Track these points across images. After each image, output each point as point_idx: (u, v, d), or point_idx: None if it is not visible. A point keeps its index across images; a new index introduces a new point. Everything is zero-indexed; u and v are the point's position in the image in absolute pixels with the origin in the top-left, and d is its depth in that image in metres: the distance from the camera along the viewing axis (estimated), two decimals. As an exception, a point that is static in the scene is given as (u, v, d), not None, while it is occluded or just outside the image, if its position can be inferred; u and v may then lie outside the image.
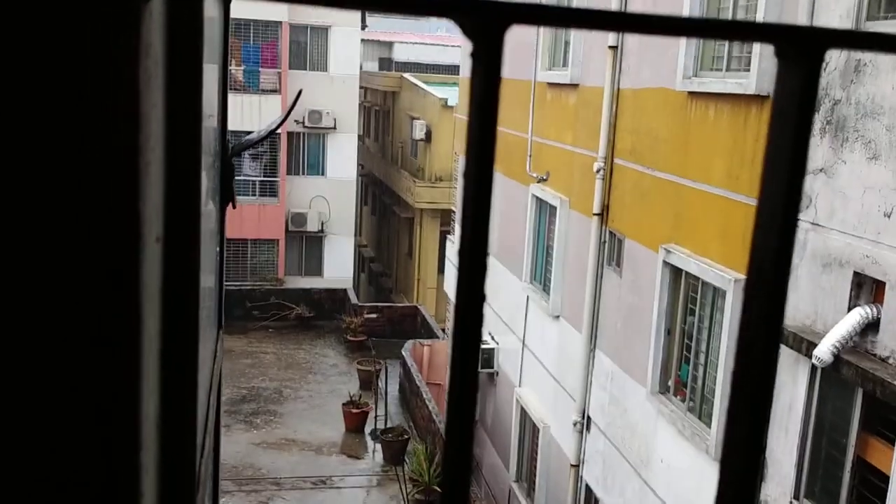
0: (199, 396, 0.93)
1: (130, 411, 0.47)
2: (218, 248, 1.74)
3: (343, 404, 18.23)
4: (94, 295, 0.45)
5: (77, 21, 0.42)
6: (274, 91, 26.00)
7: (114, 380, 0.46)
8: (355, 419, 18.04)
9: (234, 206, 1.85)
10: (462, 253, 0.45)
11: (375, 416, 17.88)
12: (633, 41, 10.09)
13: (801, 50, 0.46)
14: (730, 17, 8.19)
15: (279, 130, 25.90)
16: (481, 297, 0.45)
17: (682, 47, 8.69)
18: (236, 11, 26.12)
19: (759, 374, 0.51)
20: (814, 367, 6.52)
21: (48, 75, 0.42)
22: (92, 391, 0.45)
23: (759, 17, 7.41)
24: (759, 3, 7.46)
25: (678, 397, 9.02)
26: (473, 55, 0.44)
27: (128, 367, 0.46)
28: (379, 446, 17.14)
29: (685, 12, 8.67)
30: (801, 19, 6.86)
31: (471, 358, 0.47)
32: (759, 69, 7.41)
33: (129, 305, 0.45)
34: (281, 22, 25.73)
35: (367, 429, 18.03)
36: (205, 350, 1.19)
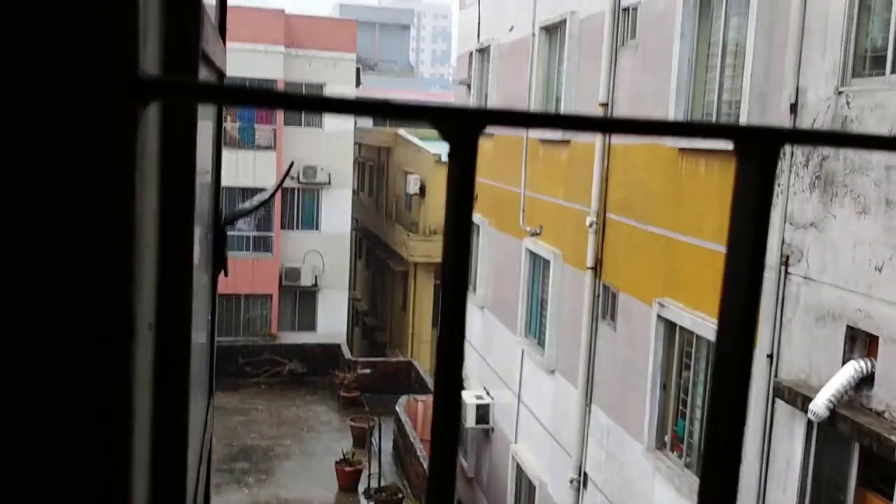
0: (188, 474, 0.93)
1: (119, 497, 0.48)
2: (209, 317, 1.76)
3: (336, 462, 18.00)
4: (85, 383, 0.47)
5: (76, 123, 0.45)
6: (269, 147, 26.24)
7: (103, 466, 0.47)
8: (349, 477, 17.79)
9: (226, 275, 1.87)
10: (440, 345, 0.47)
11: (369, 474, 17.63)
12: (623, 98, 10.26)
13: (759, 148, 0.49)
14: (717, 77, 8.34)
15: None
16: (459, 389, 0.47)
17: (672, 104, 8.84)
18: (232, 70, 26.55)
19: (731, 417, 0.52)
20: (810, 422, 6.49)
21: (48, 174, 0.45)
22: (82, 475, 0.46)
23: (747, 76, 7.56)
24: (745, 63, 7.62)
25: (675, 453, 8.94)
26: (450, 155, 0.47)
27: (117, 456, 0.47)
28: (373, 504, 16.87)
29: (672, 81, 8.83)
30: (789, 77, 7.01)
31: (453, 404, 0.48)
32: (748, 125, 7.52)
33: (119, 393, 0.47)
34: (276, 80, 26.09)
35: (361, 487, 17.76)
36: (194, 422, 1.20)
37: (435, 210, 25.84)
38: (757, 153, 0.49)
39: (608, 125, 0.48)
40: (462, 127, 0.46)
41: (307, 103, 0.44)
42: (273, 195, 3.01)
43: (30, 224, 0.46)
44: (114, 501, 0.48)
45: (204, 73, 1.01)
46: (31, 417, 0.47)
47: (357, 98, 0.45)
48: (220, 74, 1.52)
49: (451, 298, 0.48)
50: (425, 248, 25.90)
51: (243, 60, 25.02)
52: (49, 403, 0.47)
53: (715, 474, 0.52)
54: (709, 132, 0.51)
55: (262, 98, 0.41)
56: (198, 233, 1.24)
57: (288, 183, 26.64)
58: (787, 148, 6.87)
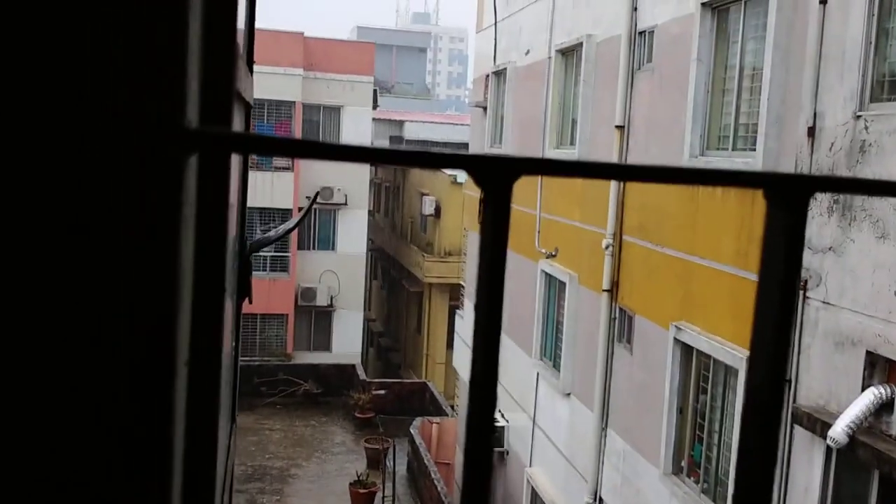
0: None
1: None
2: (234, 344, 1.77)
3: (350, 484, 17.92)
4: (127, 421, 0.48)
5: (129, 176, 0.46)
6: (287, 169, 26.41)
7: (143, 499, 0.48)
8: (363, 499, 17.70)
9: (250, 302, 1.89)
10: (472, 387, 0.48)
11: (383, 497, 17.55)
12: (640, 121, 10.27)
13: (789, 195, 0.49)
14: (734, 100, 8.34)
15: (290, 207, 26.21)
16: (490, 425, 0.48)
17: (689, 126, 8.84)
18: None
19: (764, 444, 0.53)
20: (829, 449, 6.42)
21: (103, 225, 0.46)
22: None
23: (764, 100, 7.55)
24: (763, 87, 7.62)
25: (692, 478, 8.85)
26: (484, 201, 0.48)
27: (158, 491, 0.48)
28: (387, 527, 16.78)
29: (689, 105, 8.84)
30: (806, 101, 6.99)
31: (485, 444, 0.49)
32: (765, 148, 7.51)
33: (161, 432, 0.48)
34: (294, 102, 26.31)
35: (375, 509, 17.67)
36: (220, 450, 1.21)
37: (450, 231, 25.88)
38: (786, 201, 0.49)
39: (636, 173, 0.49)
40: (497, 175, 0.47)
41: (342, 152, 0.45)
42: (298, 224, 3.05)
43: (84, 272, 0.47)
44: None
45: (236, 111, 1.03)
46: (82, 461, 0.48)
47: (394, 148, 0.46)
48: (248, 106, 1.54)
49: (484, 343, 0.49)
50: (440, 269, 25.92)
51: (263, 83, 25.21)
52: (97, 441, 0.48)
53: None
54: (737, 180, 0.51)
55: (300, 149, 0.42)
56: (227, 263, 1.26)
57: (304, 203, 26.79)
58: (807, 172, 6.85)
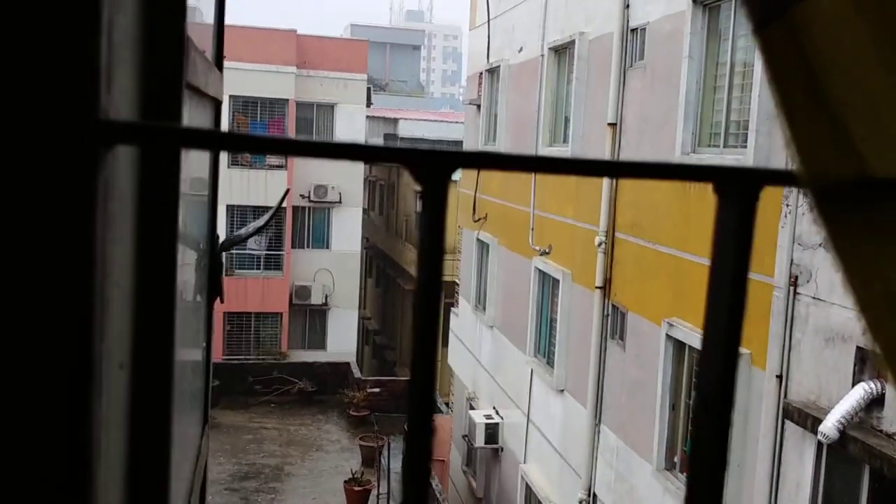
0: (177, 501, 0.92)
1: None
2: (204, 344, 1.75)
3: (345, 482, 17.92)
4: (45, 426, 0.46)
5: (38, 165, 0.44)
6: (280, 167, 26.35)
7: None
8: (358, 497, 17.71)
9: (221, 301, 1.87)
10: (412, 380, 0.46)
11: (378, 494, 17.55)
12: (632, 118, 10.26)
13: (738, 189, 0.48)
14: (725, 97, 8.35)
15: (284, 205, 26.17)
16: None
17: (681, 123, 8.84)
18: (244, 90, 26.48)
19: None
20: (820, 444, 6.42)
21: (6, 213, 0.44)
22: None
23: (755, 97, 7.55)
24: (754, 84, 7.62)
25: (685, 474, 8.86)
26: (421, 196, 0.47)
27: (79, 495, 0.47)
28: (382, 525, 16.78)
29: (681, 101, 8.83)
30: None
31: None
32: (756, 144, 7.51)
33: (80, 437, 0.46)
34: (288, 99, 26.25)
35: (370, 506, 17.67)
36: (185, 450, 1.19)
37: (445, 229, 25.84)
38: (737, 194, 0.48)
39: (576, 167, 0.48)
40: (433, 170, 0.46)
41: (274, 145, 0.44)
42: (269, 222, 3.03)
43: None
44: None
45: (193, 105, 1.01)
46: None
47: (325, 141, 0.45)
48: (216, 103, 1.52)
49: (421, 339, 0.48)
50: (435, 267, 25.90)
51: (255, 81, 25.20)
52: (6, 445, 0.47)
53: (701, 485, 0.51)
54: (686, 174, 0.50)
55: (226, 141, 0.40)
56: (190, 260, 1.24)
57: (298, 201, 26.76)
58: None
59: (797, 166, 0.46)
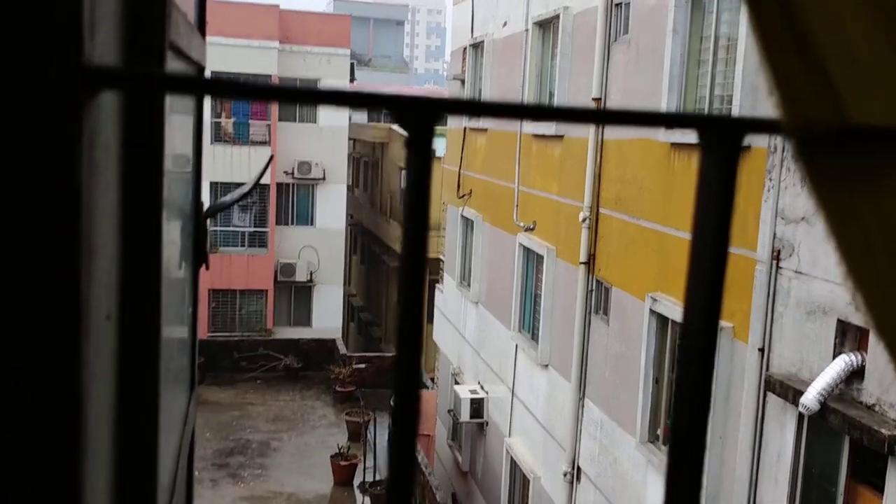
0: (165, 464, 0.92)
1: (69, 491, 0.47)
2: (191, 309, 1.75)
3: (331, 456, 18.02)
4: (32, 372, 0.46)
5: (19, 111, 0.44)
6: (263, 143, 26.20)
7: (51, 459, 0.47)
8: (344, 472, 17.81)
9: (206, 268, 1.87)
10: (399, 335, 0.47)
11: (364, 468, 17.66)
12: (616, 92, 10.26)
13: (722, 137, 0.48)
14: (709, 71, 8.35)
15: (268, 182, 26.04)
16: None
17: (665, 97, 8.84)
18: (226, 65, 26.22)
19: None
20: (801, 416, 6.51)
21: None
22: (29, 470, 0.46)
23: (739, 71, 7.56)
24: (738, 58, 7.62)
25: (667, 446, 8.96)
26: (407, 143, 0.47)
27: (67, 446, 0.47)
28: (368, 499, 16.90)
29: (665, 76, 8.83)
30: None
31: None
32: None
33: (68, 384, 0.47)
34: (270, 75, 26.03)
35: (356, 481, 17.79)
36: (173, 415, 1.19)
37: (432, 176, 25.84)
38: (720, 143, 0.49)
39: (570, 115, 0.48)
40: (419, 116, 0.46)
41: (259, 92, 0.44)
42: (253, 188, 3.01)
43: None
44: (64, 496, 0.48)
45: (177, 66, 1.00)
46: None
47: (309, 88, 0.45)
48: (200, 68, 1.51)
49: (408, 296, 0.48)
50: (420, 244, 25.89)
51: (238, 56, 24.97)
52: None
53: (681, 460, 0.52)
54: (671, 122, 0.50)
55: (209, 87, 0.40)
56: (175, 225, 1.23)
57: (283, 178, 26.63)
58: (780, 142, 6.88)
59: (779, 113, 0.46)
